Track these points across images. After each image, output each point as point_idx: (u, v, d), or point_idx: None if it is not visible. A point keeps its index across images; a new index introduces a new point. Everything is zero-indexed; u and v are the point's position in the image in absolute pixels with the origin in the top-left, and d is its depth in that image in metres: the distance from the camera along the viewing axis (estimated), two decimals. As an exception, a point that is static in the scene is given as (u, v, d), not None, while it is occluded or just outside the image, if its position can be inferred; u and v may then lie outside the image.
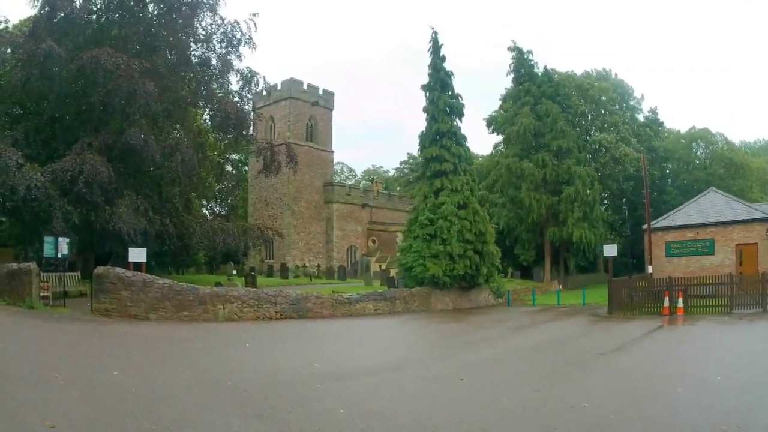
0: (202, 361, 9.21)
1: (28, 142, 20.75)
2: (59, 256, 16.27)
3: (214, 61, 24.85)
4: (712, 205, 27.87)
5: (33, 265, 14.85)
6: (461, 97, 27.86)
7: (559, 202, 37.38)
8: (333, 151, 50.09)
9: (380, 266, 48.50)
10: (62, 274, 17.20)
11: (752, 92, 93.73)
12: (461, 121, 28.29)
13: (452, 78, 27.80)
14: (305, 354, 10.73)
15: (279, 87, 44.17)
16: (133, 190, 21.49)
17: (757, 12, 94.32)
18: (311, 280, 32.67)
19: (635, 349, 12.37)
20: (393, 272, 49.13)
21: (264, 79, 25.89)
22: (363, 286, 30.38)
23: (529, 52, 40.60)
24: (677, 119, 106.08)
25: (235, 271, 38.55)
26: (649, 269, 25.40)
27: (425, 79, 27.50)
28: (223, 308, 15.93)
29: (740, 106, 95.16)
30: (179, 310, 15.15)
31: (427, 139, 26.97)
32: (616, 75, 49.11)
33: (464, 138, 28.32)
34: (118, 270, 14.99)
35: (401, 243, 26.89)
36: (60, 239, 16.23)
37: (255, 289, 17.39)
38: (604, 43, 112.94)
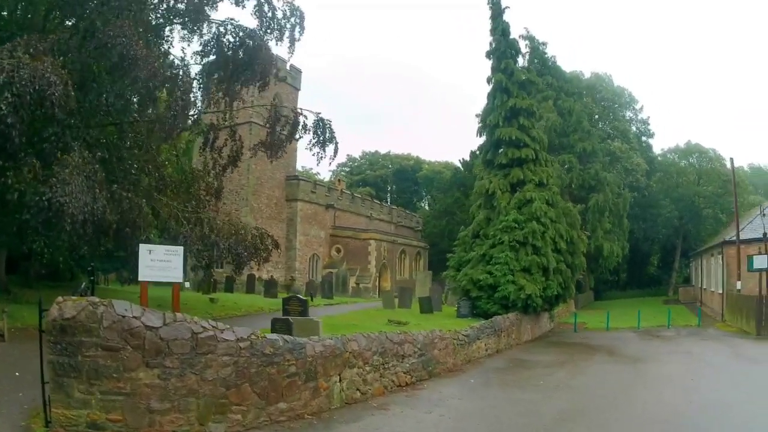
0: None
1: None
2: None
3: None
4: (782, 215, 26.21)
5: None
6: (534, 72, 21.93)
7: (585, 210, 32.74)
8: (299, 138, 41.35)
9: (354, 282, 40.86)
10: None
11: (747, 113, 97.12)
12: (532, 104, 22.37)
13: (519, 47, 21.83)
14: None
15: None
16: (83, 143, 12.35)
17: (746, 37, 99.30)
18: (311, 299, 24.13)
19: None
20: (363, 286, 41.96)
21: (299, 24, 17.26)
22: (383, 307, 22.75)
23: (544, 43, 36.07)
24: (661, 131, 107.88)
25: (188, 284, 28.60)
26: (738, 285, 23.53)
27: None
28: (339, 380, 7.95)
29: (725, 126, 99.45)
30: (270, 401, 6.73)
31: (498, 117, 20.43)
32: (610, 79, 46.48)
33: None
34: (122, 308, 5.67)
35: (468, 252, 19.80)
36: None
37: (376, 334, 9.37)
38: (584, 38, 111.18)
